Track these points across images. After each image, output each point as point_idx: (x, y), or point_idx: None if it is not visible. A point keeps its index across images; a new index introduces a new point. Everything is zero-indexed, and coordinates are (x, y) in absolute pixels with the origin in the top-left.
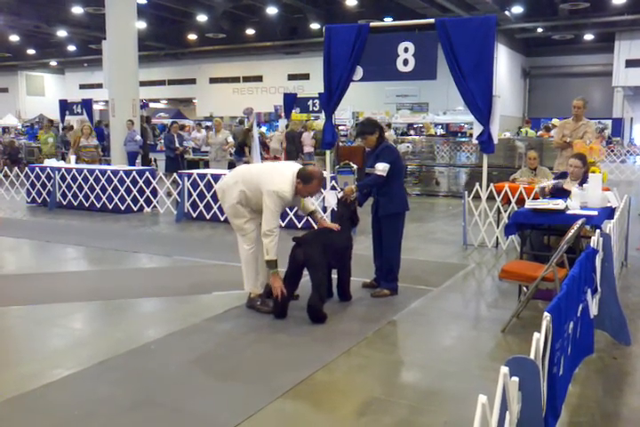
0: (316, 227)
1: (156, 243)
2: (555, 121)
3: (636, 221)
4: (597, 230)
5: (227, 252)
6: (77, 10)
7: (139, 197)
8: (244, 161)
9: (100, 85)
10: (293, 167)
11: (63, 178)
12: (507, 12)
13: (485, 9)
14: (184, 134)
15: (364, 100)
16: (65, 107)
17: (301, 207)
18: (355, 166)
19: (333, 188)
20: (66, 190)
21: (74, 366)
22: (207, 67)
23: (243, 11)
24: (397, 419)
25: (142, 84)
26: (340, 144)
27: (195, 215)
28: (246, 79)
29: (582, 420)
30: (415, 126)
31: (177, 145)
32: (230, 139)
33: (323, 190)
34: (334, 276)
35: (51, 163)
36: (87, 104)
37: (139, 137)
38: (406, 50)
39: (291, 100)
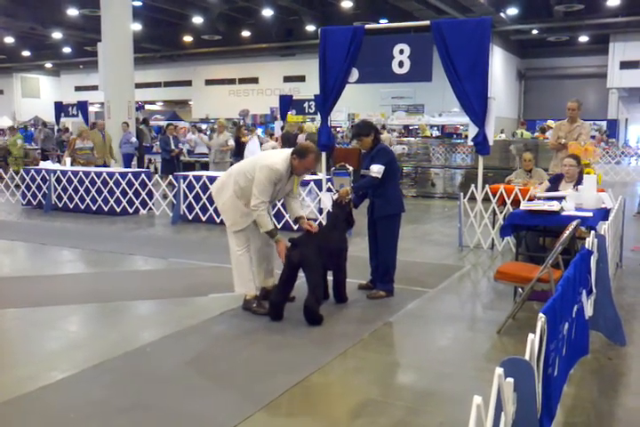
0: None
1: (151, 245)
2: (550, 122)
3: (631, 222)
4: (592, 231)
5: (222, 254)
6: (73, 12)
7: (134, 199)
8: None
9: (95, 87)
10: (289, 149)
11: (59, 180)
12: (502, 14)
13: (481, 11)
14: (179, 136)
15: (359, 101)
16: (60, 109)
17: (294, 191)
18: (350, 168)
19: (329, 189)
20: (61, 193)
21: (70, 369)
22: (203, 69)
23: (238, 13)
24: (393, 420)
25: (138, 86)
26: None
27: (190, 217)
28: (242, 81)
29: (577, 420)
30: (411, 128)
31: (172, 147)
32: (231, 141)
33: (319, 192)
34: (330, 277)
35: (46, 165)
36: (83, 106)
37: (134, 139)
38: (402, 52)
39: (286, 102)
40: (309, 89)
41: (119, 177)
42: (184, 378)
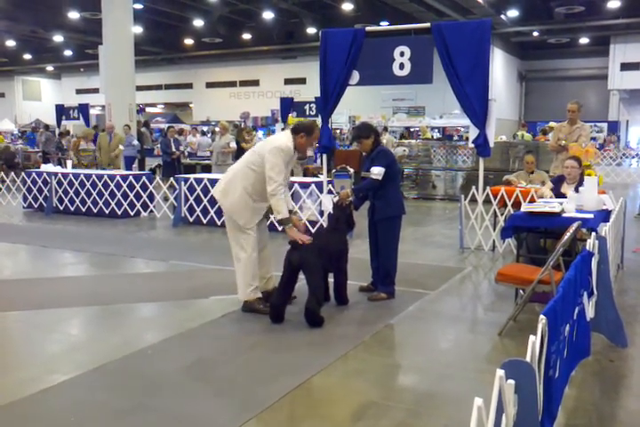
0: (313, 231)
1: (152, 247)
2: (552, 124)
3: (632, 223)
4: (593, 233)
5: (224, 256)
6: (74, 15)
7: (135, 201)
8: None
9: (96, 90)
10: (286, 131)
11: (60, 183)
12: (502, 16)
13: (481, 13)
14: (180, 138)
15: (360, 104)
16: (61, 111)
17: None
18: (351, 170)
19: (330, 191)
20: (62, 195)
21: (71, 371)
22: (204, 71)
23: (239, 15)
24: (395, 423)
25: (139, 88)
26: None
27: (191, 220)
28: (243, 84)
29: (579, 422)
30: (412, 130)
31: (173, 150)
32: (233, 144)
33: (320, 194)
34: (331, 280)
35: (47, 168)
36: (84, 109)
37: (136, 142)
38: (402, 54)
39: (287, 105)
40: (310, 91)
41: (120, 179)
42: (185, 381)
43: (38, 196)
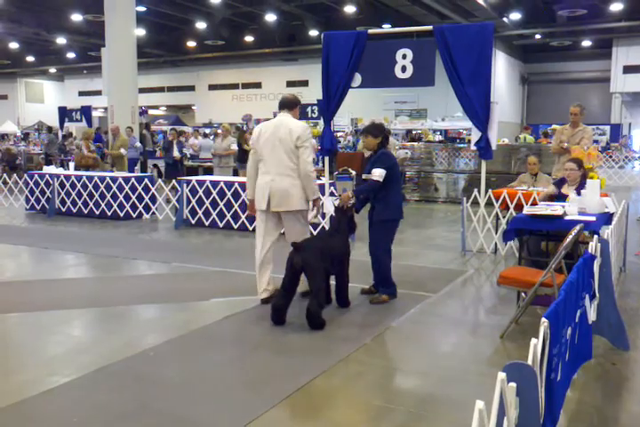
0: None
1: (154, 250)
2: (554, 127)
3: (635, 226)
4: (595, 236)
5: (225, 258)
6: (77, 17)
7: (137, 203)
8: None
9: (99, 92)
10: (284, 114)
11: (62, 185)
12: (505, 19)
13: (484, 16)
14: (182, 141)
15: (362, 106)
16: (64, 114)
17: None
18: (353, 172)
19: (332, 194)
20: (65, 197)
21: (72, 373)
22: (206, 73)
23: (242, 18)
24: (396, 426)
25: (141, 90)
26: (339, 150)
27: (193, 222)
28: (245, 86)
29: (580, 425)
30: (414, 132)
31: (176, 153)
32: (235, 146)
33: (322, 197)
34: (332, 282)
35: (50, 170)
36: (86, 111)
37: (138, 144)
38: (404, 56)
39: None
40: (312, 94)
41: (122, 181)
42: (186, 383)
43: (41, 197)
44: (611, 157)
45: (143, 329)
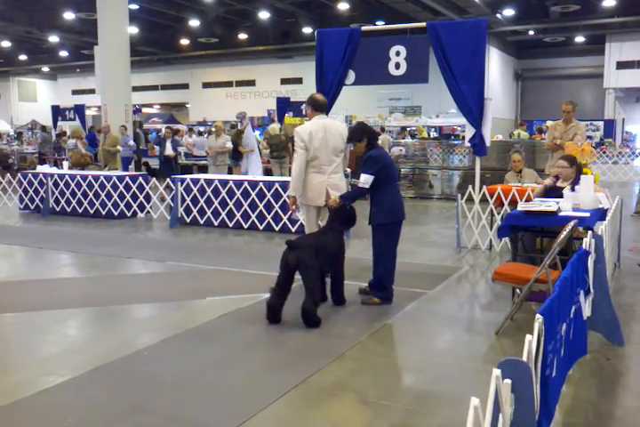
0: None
1: (149, 248)
2: (549, 123)
3: (629, 222)
4: (589, 232)
5: (221, 257)
6: (69, 15)
7: (132, 202)
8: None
9: (92, 91)
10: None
11: (56, 184)
12: (498, 15)
13: (477, 12)
14: (178, 139)
15: (356, 103)
16: (57, 112)
17: None
18: (348, 170)
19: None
20: (59, 196)
21: (67, 373)
22: (200, 71)
23: (235, 15)
24: (392, 423)
25: (135, 89)
26: None
27: (188, 220)
28: (239, 84)
29: (576, 421)
30: (408, 129)
31: (169, 151)
32: (229, 144)
33: None
34: (328, 280)
35: (43, 169)
36: (80, 110)
37: (132, 142)
38: (398, 53)
39: (284, 105)
40: (307, 91)
41: (117, 180)
42: (182, 382)
43: (35, 197)
44: (604, 152)
45: (138, 328)
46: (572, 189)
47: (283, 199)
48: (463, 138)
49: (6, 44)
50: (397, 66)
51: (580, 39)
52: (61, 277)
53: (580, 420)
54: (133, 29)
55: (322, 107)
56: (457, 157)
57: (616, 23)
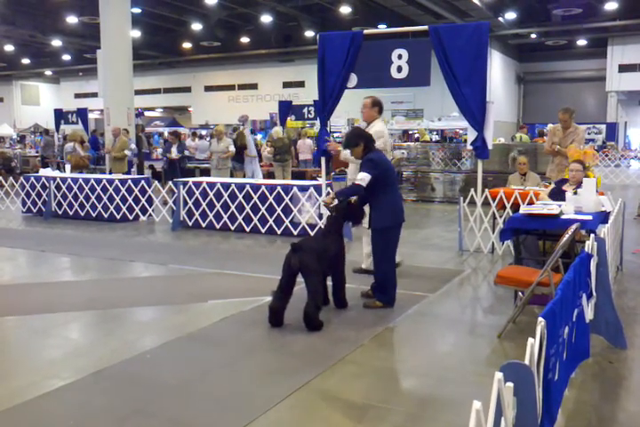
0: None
1: (151, 252)
2: (550, 126)
3: (632, 225)
4: (592, 235)
5: (222, 260)
6: (72, 19)
7: (134, 205)
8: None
9: (95, 94)
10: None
11: (58, 187)
12: (500, 19)
13: (479, 15)
14: (184, 142)
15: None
16: (60, 116)
17: None
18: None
19: (328, 194)
20: (61, 200)
21: (69, 377)
22: (202, 75)
23: (237, 19)
24: (394, 426)
25: (137, 92)
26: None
27: (190, 224)
28: (241, 87)
29: (578, 424)
30: (410, 133)
31: (173, 153)
32: (232, 147)
33: (318, 197)
34: (329, 283)
35: (46, 172)
36: (82, 113)
37: (133, 145)
38: (400, 57)
39: (286, 108)
40: (309, 94)
41: (119, 184)
42: (184, 385)
43: (37, 200)
44: (607, 155)
45: (140, 332)
46: (575, 193)
47: (285, 202)
48: (465, 141)
49: (9, 47)
50: (399, 69)
51: (582, 42)
52: (63, 281)
53: (582, 423)
54: (136, 33)
55: (382, 110)
56: (459, 161)
57: (618, 26)
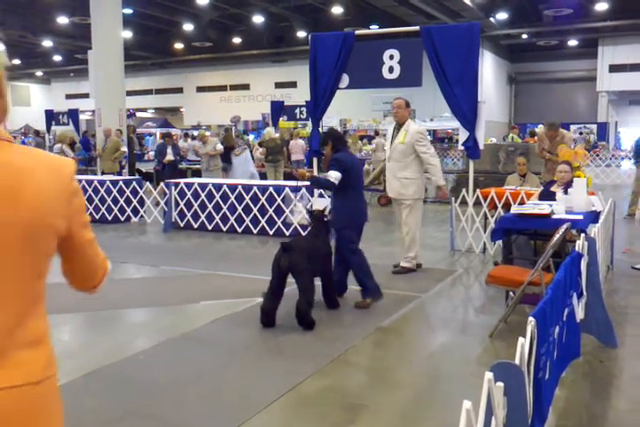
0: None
1: (143, 253)
2: (540, 130)
3: (622, 224)
4: (582, 234)
5: (214, 261)
6: (63, 20)
7: (126, 206)
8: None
9: (86, 95)
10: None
11: None
12: (492, 19)
13: (471, 16)
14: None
15: (350, 107)
16: (51, 117)
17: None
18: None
19: (321, 195)
20: None
21: (61, 378)
22: (194, 75)
23: (229, 19)
24: (386, 426)
25: (129, 93)
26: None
27: (182, 225)
28: (233, 88)
29: (569, 423)
30: None
31: (169, 156)
32: (219, 146)
33: (310, 198)
34: (319, 283)
35: None
36: (74, 114)
37: (124, 147)
38: (392, 57)
39: (278, 108)
40: (301, 95)
41: (110, 185)
42: (177, 386)
43: None
44: (597, 155)
45: (132, 333)
46: (565, 192)
47: (277, 203)
48: (457, 141)
49: None
50: (391, 69)
51: (573, 43)
52: (54, 283)
53: (573, 422)
54: (127, 33)
55: None
56: (450, 160)
57: (609, 27)
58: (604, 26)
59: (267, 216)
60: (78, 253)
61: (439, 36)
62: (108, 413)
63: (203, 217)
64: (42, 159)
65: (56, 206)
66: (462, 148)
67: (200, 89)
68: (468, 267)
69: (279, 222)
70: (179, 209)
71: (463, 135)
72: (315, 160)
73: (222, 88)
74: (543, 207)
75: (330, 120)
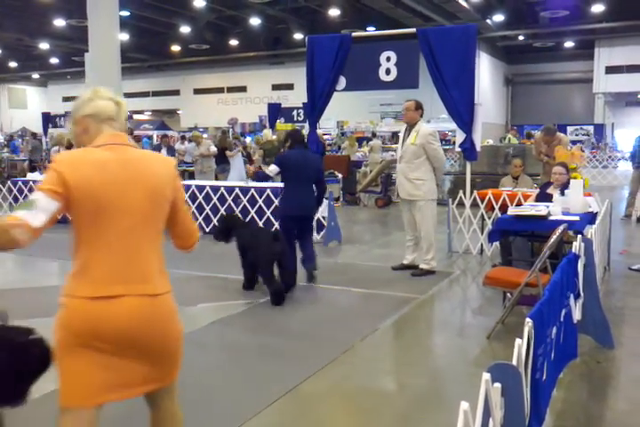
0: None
1: None
2: (537, 134)
3: (619, 225)
4: (579, 236)
5: (212, 263)
6: (59, 22)
7: None
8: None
9: None
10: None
11: None
12: (488, 21)
13: (467, 17)
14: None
15: (347, 109)
16: (48, 119)
17: None
18: (339, 175)
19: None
20: None
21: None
22: (191, 78)
23: (226, 21)
24: None
25: (126, 95)
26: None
27: None
28: (230, 90)
29: (567, 424)
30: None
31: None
32: (213, 148)
33: None
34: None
35: (34, 176)
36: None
37: None
38: (388, 59)
39: (275, 110)
40: (298, 97)
41: None
42: None
43: None
44: (594, 156)
45: None
46: (562, 194)
47: (275, 205)
48: (454, 143)
49: None
50: (388, 71)
51: (569, 44)
52: (52, 285)
53: (570, 423)
54: (124, 36)
55: None
56: (448, 162)
57: (605, 28)
58: (600, 27)
59: (264, 218)
60: (180, 217)
61: (436, 38)
62: (106, 414)
63: (200, 219)
64: (155, 155)
65: (166, 182)
66: (459, 149)
67: (197, 91)
68: (466, 268)
69: (277, 224)
70: None
71: (460, 137)
72: None
73: (219, 90)
74: (540, 209)
75: (327, 122)
